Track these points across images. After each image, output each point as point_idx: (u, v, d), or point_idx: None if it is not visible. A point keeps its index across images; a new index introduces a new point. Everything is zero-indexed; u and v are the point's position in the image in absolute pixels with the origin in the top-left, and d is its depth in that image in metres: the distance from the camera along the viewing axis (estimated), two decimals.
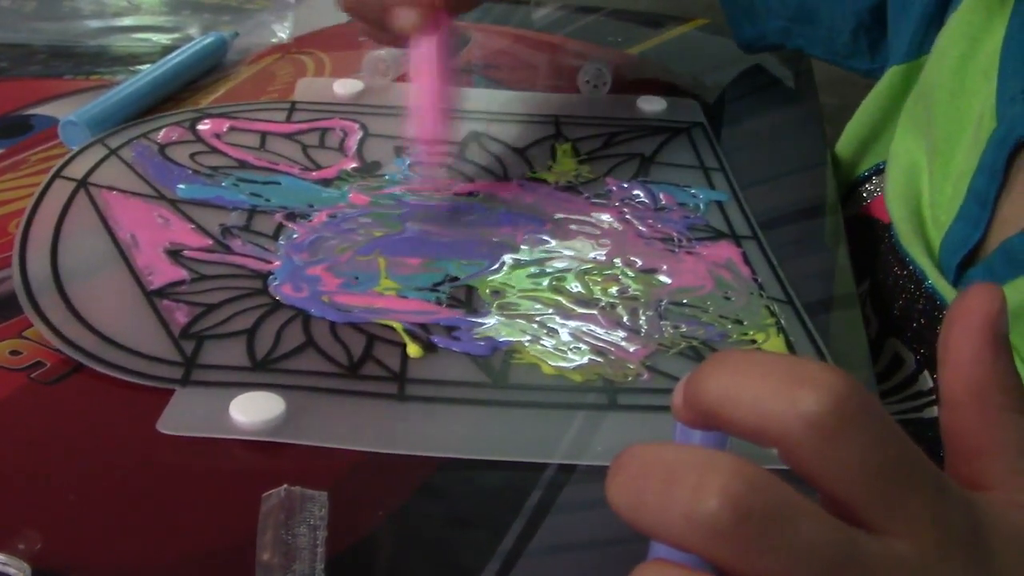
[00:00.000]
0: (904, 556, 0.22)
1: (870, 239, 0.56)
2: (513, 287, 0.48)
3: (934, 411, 0.47)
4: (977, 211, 0.47)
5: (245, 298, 0.45)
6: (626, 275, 0.49)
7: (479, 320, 0.45)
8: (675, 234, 0.53)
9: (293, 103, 0.63)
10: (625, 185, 0.57)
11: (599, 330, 0.45)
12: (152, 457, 0.37)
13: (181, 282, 0.46)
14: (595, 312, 0.46)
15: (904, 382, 0.49)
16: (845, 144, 0.64)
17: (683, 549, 0.22)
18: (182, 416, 0.39)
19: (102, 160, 0.55)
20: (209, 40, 0.69)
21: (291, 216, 0.52)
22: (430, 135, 0.51)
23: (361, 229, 0.51)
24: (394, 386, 0.41)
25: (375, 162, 0.58)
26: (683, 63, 0.76)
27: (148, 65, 0.65)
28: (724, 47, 0.75)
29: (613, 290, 0.48)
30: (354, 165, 0.57)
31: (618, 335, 0.45)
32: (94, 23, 0.75)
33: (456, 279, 0.48)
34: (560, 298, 0.47)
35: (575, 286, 0.48)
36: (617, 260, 0.50)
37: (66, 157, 0.55)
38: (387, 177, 0.56)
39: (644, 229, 0.53)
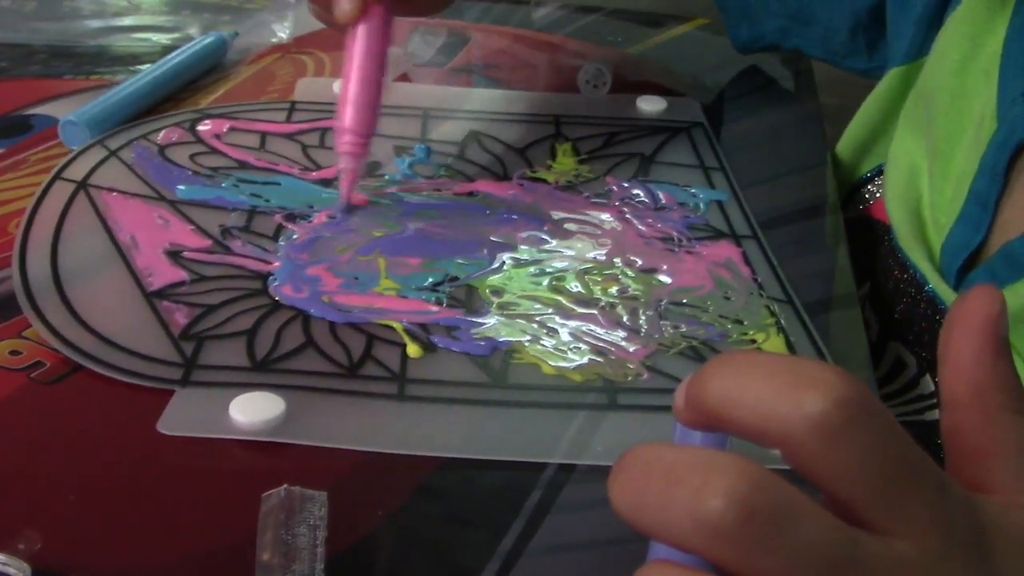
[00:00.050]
0: (906, 556, 0.22)
1: (871, 241, 0.56)
2: (513, 287, 0.48)
3: (935, 414, 0.47)
4: (978, 213, 0.47)
5: (245, 299, 0.45)
6: (626, 275, 0.49)
7: (479, 320, 0.45)
8: (675, 234, 0.53)
9: (293, 103, 0.63)
10: (625, 184, 0.58)
11: (599, 330, 0.45)
12: (152, 457, 0.37)
13: (181, 283, 0.46)
14: (595, 312, 0.46)
15: (906, 386, 0.49)
16: (845, 145, 0.64)
17: (685, 549, 0.22)
18: (182, 416, 0.39)
19: (102, 161, 0.55)
20: (209, 40, 0.69)
21: (291, 217, 0.52)
22: (349, 125, 0.51)
23: (360, 229, 0.51)
24: (394, 386, 0.41)
25: (375, 162, 0.58)
26: (683, 63, 0.76)
27: (148, 65, 0.65)
28: (724, 47, 0.75)
29: (613, 290, 0.48)
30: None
31: (618, 335, 0.45)
32: (94, 23, 0.75)
33: (456, 279, 0.48)
34: (560, 298, 0.47)
35: (575, 286, 0.48)
36: (617, 260, 0.50)
37: (66, 158, 0.55)
38: (387, 177, 0.56)
39: (644, 229, 0.53)
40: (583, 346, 0.44)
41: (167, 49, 0.69)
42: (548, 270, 0.49)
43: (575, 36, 0.79)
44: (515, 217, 0.53)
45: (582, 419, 0.40)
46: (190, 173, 0.55)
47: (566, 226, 0.53)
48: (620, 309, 0.47)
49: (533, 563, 0.34)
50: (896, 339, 0.51)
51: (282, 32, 0.75)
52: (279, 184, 0.54)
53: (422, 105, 0.64)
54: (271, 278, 0.47)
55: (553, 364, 0.43)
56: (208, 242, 0.49)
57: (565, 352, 0.44)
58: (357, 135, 0.51)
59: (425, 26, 0.76)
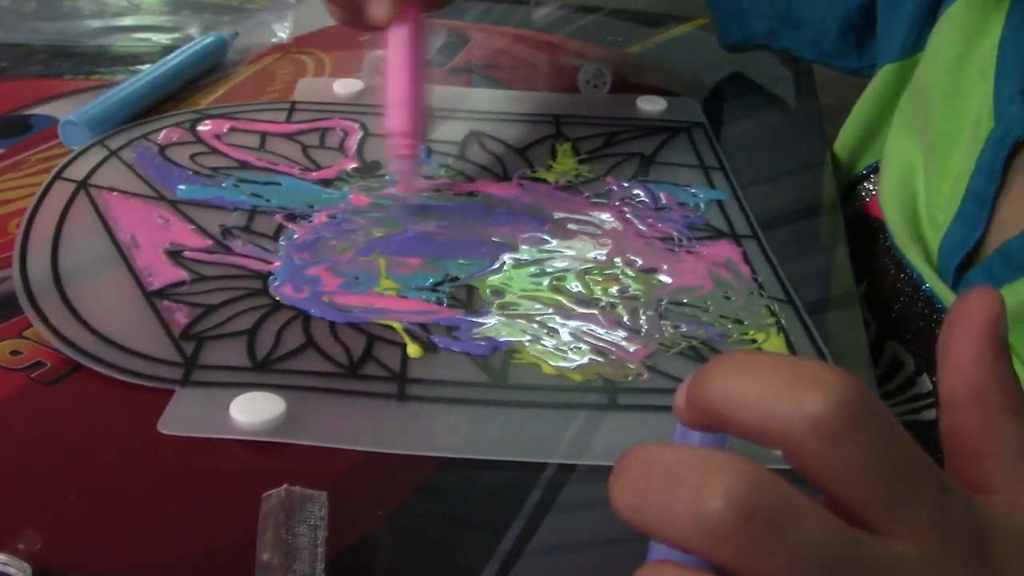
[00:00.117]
0: (906, 557, 0.22)
1: (867, 239, 0.56)
2: (513, 287, 0.48)
3: (933, 413, 0.47)
4: (975, 212, 0.47)
5: (245, 299, 0.45)
6: (626, 275, 0.49)
7: (479, 320, 0.45)
8: (675, 233, 0.53)
9: (293, 103, 0.63)
10: (625, 184, 0.58)
11: (599, 330, 0.45)
12: (152, 457, 0.37)
13: (181, 283, 0.46)
14: (595, 312, 0.46)
15: (903, 385, 0.49)
16: (842, 143, 0.64)
17: (685, 550, 0.22)
18: (182, 416, 0.39)
19: (102, 161, 0.55)
20: (209, 40, 0.69)
21: (291, 217, 0.52)
22: (402, 128, 0.51)
23: (361, 229, 0.51)
24: (394, 386, 0.41)
25: (375, 162, 0.58)
26: (683, 63, 0.76)
27: (148, 65, 0.65)
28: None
29: (613, 290, 0.48)
30: (354, 165, 0.57)
31: (618, 335, 0.45)
32: (94, 23, 0.75)
33: (456, 279, 0.48)
34: (560, 298, 0.47)
35: (575, 286, 0.48)
36: (617, 260, 0.50)
37: (67, 158, 0.55)
38: (387, 177, 0.56)
39: (644, 228, 0.53)
40: (583, 346, 0.44)
41: (167, 49, 0.69)
42: (548, 270, 0.49)
43: (575, 36, 0.79)
44: (515, 217, 0.53)
45: (582, 419, 0.40)
46: (190, 173, 0.55)
47: (567, 226, 0.53)
48: (620, 309, 0.47)
49: (533, 563, 0.34)
50: (893, 338, 0.51)
51: (282, 32, 0.75)
52: (279, 184, 0.54)
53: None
54: (271, 278, 0.47)
55: (553, 364, 0.43)
56: (208, 242, 0.49)
57: (565, 352, 0.44)
58: (407, 136, 0.51)
59: None
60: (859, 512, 0.22)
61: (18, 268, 0.46)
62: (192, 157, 0.56)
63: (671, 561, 0.23)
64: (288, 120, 0.61)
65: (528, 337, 0.45)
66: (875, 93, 0.60)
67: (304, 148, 0.58)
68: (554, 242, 0.51)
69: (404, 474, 0.38)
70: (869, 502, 0.22)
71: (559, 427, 0.40)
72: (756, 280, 0.50)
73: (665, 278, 0.49)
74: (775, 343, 0.45)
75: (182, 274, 0.47)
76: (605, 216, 0.54)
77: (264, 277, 0.47)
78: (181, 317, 0.44)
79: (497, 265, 0.49)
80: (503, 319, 0.46)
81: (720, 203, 0.56)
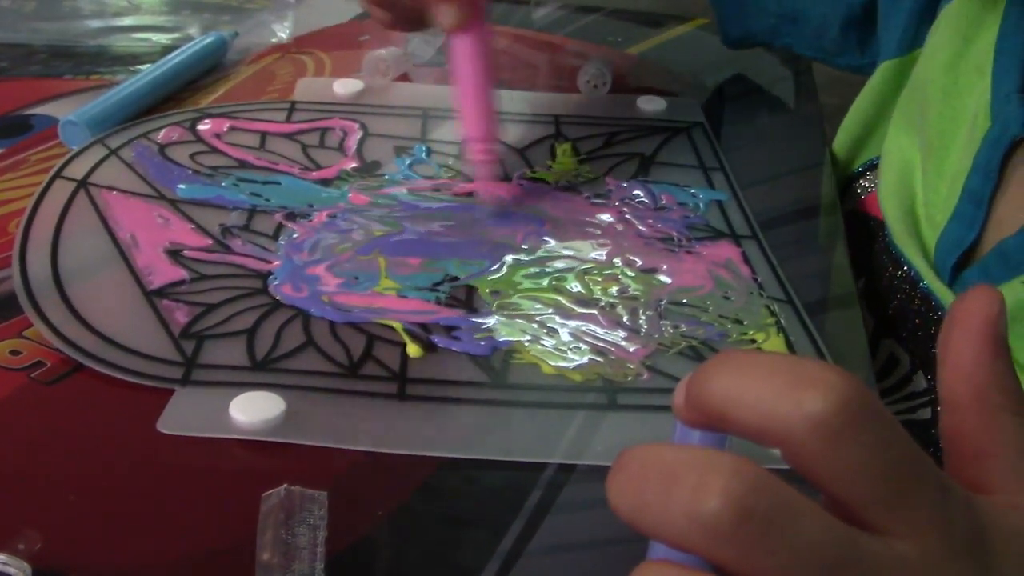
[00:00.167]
0: (906, 557, 0.22)
1: (865, 236, 0.56)
2: (513, 287, 0.48)
3: (927, 412, 0.47)
4: (972, 211, 0.47)
5: (245, 298, 0.45)
6: (626, 275, 0.49)
7: (479, 320, 0.45)
8: (675, 234, 0.53)
9: (293, 103, 0.63)
10: (625, 185, 0.58)
11: (599, 330, 0.45)
12: (152, 457, 0.37)
13: (181, 282, 0.46)
14: (595, 312, 0.46)
15: (899, 383, 0.49)
16: (840, 140, 0.64)
17: (684, 549, 0.22)
18: (182, 416, 0.39)
19: (102, 160, 0.55)
20: (209, 40, 0.69)
21: (291, 216, 0.52)
22: (479, 133, 0.52)
23: (360, 229, 0.51)
24: (394, 386, 0.41)
25: (375, 162, 0.58)
26: (683, 63, 0.76)
27: (148, 65, 0.65)
28: (724, 47, 0.75)
29: (613, 290, 0.48)
30: (354, 165, 0.57)
31: (618, 335, 0.45)
32: (94, 23, 0.75)
33: (456, 279, 0.48)
34: (560, 298, 0.47)
35: (575, 286, 0.48)
36: (617, 260, 0.50)
37: (66, 157, 0.55)
38: (387, 177, 0.56)
39: (644, 229, 0.53)
40: (583, 346, 0.44)
41: (167, 49, 0.69)
42: (548, 270, 0.49)
43: (575, 36, 0.79)
44: (515, 217, 0.53)
45: (582, 419, 0.40)
46: (190, 172, 0.55)
47: (566, 226, 0.53)
48: (620, 309, 0.47)
49: (533, 563, 0.34)
50: (889, 336, 0.51)
51: (282, 32, 0.75)
52: (279, 183, 0.54)
53: (422, 105, 0.64)
54: (271, 277, 0.47)
55: (553, 364, 0.43)
56: (208, 241, 0.49)
57: (565, 352, 0.44)
58: (486, 142, 0.52)
59: None
60: (859, 512, 0.22)
61: (18, 268, 0.46)
62: (192, 156, 0.56)
63: (669, 560, 0.23)
64: (288, 120, 0.61)
65: (528, 337, 0.45)
66: (874, 90, 0.60)
67: (304, 148, 0.58)
68: (554, 242, 0.51)
69: (404, 474, 0.38)
70: (869, 502, 0.22)
71: (559, 427, 0.40)
72: (756, 280, 0.50)
73: (665, 278, 0.49)
74: (775, 343, 0.45)
75: (182, 273, 0.47)
76: (605, 216, 0.54)
77: (264, 276, 0.47)
78: (181, 316, 0.44)
79: (497, 265, 0.49)
80: (503, 319, 0.46)
81: (720, 203, 0.56)
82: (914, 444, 0.23)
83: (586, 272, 0.49)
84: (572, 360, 0.44)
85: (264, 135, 0.59)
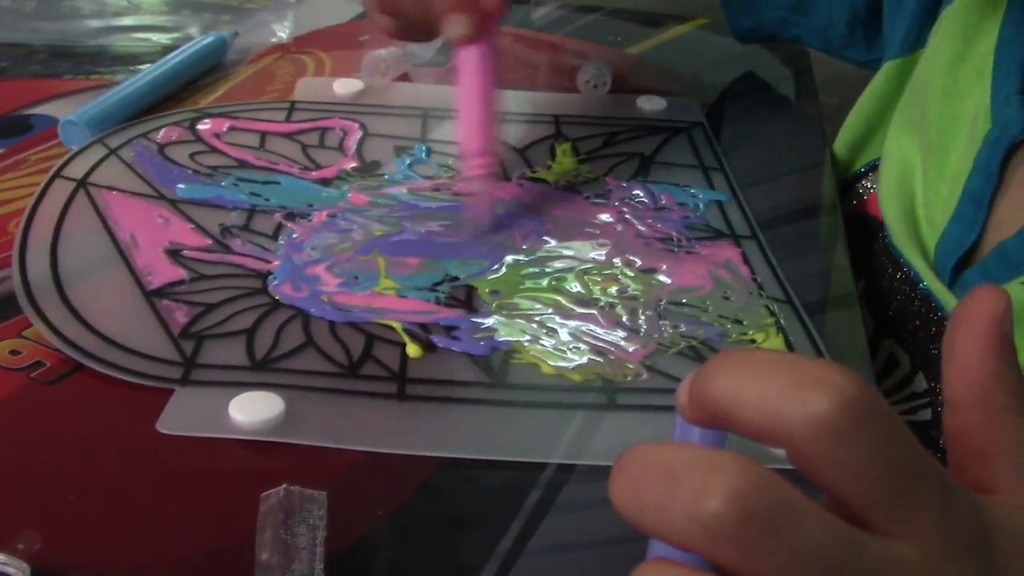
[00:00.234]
0: (908, 558, 0.22)
1: (865, 237, 0.56)
2: (513, 287, 0.48)
3: (928, 413, 0.47)
4: (972, 212, 0.47)
5: (244, 298, 0.45)
6: (625, 275, 0.49)
7: (479, 320, 0.45)
8: (675, 234, 0.53)
9: (293, 103, 0.63)
10: (625, 185, 0.58)
11: (598, 330, 0.45)
12: (152, 457, 0.37)
13: (180, 282, 0.46)
14: (594, 312, 0.46)
15: (899, 384, 0.49)
16: (842, 140, 0.64)
17: (685, 549, 0.22)
18: (181, 416, 0.39)
19: (102, 160, 0.55)
20: (209, 40, 0.69)
21: (291, 216, 0.52)
22: (477, 148, 0.51)
23: (360, 228, 0.51)
24: (393, 386, 0.41)
25: (375, 162, 0.58)
26: (683, 63, 0.76)
27: (148, 65, 0.65)
28: (724, 47, 0.75)
29: (612, 290, 0.48)
30: (354, 165, 0.57)
31: (617, 335, 0.45)
32: (94, 23, 0.75)
33: (456, 279, 0.48)
34: (560, 298, 0.47)
35: (575, 286, 0.48)
36: (616, 260, 0.50)
37: (66, 157, 0.55)
38: (387, 177, 0.56)
39: (644, 229, 0.53)
40: (583, 346, 0.44)
41: (167, 49, 0.69)
42: (548, 270, 0.49)
43: (575, 36, 0.79)
44: (515, 217, 0.53)
45: (581, 419, 0.40)
46: (190, 172, 0.55)
47: (566, 226, 0.53)
48: (619, 309, 0.47)
49: (532, 563, 0.34)
50: (889, 337, 0.51)
51: (282, 32, 0.75)
52: (279, 183, 0.54)
53: (422, 105, 0.64)
54: (271, 277, 0.47)
55: (552, 364, 0.43)
56: (208, 241, 0.49)
57: (565, 352, 0.44)
58: (484, 156, 0.51)
59: None
60: (861, 512, 0.22)
61: (17, 268, 0.46)
62: (192, 156, 0.56)
63: (670, 560, 0.23)
64: (288, 120, 0.61)
65: (527, 337, 0.45)
66: (877, 90, 0.60)
67: (304, 147, 0.58)
68: (553, 242, 0.51)
69: (403, 474, 0.38)
70: (871, 502, 0.22)
71: (558, 427, 0.40)
72: (755, 280, 0.50)
73: (664, 278, 0.49)
74: (774, 343, 0.45)
75: (181, 273, 0.47)
76: (605, 216, 0.54)
77: (263, 276, 0.47)
78: (180, 316, 0.44)
79: (496, 265, 0.49)
80: (502, 319, 0.46)
81: (719, 203, 0.56)
82: (917, 444, 0.23)
83: (586, 272, 0.49)
84: (572, 360, 0.44)
85: (264, 135, 0.59)
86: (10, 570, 0.32)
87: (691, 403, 0.24)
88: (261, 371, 0.41)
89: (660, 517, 0.22)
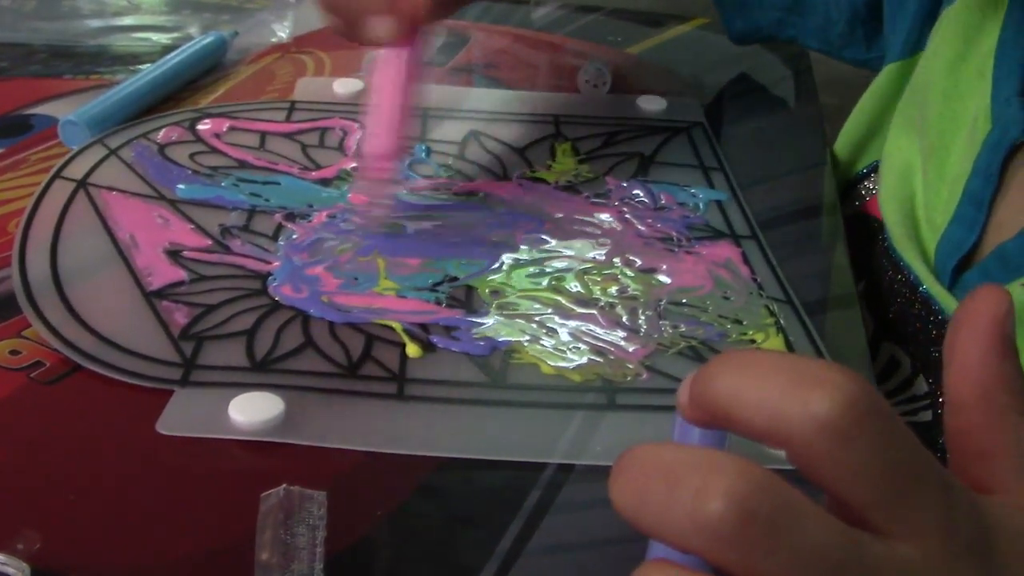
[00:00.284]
0: (910, 560, 0.22)
1: (866, 238, 0.56)
2: (512, 287, 0.48)
3: (929, 415, 0.47)
4: (972, 214, 0.47)
5: (244, 299, 0.45)
6: (625, 275, 0.49)
7: (478, 320, 0.45)
8: (674, 234, 0.53)
9: (293, 103, 0.63)
10: (624, 184, 0.58)
11: (598, 330, 0.45)
12: (152, 457, 0.37)
13: (180, 283, 0.46)
14: (594, 312, 0.46)
15: (900, 386, 0.49)
16: (843, 142, 0.63)
17: (685, 551, 0.22)
18: (181, 416, 0.39)
19: (102, 160, 0.55)
20: (209, 40, 0.69)
21: (291, 216, 0.52)
22: (382, 151, 0.50)
23: (360, 229, 0.51)
24: (393, 386, 0.41)
25: None
26: (683, 63, 0.76)
27: (148, 65, 0.65)
28: (724, 47, 0.75)
29: (612, 290, 0.48)
30: (354, 165, 0.57)
31: (617, 335, 0.45)
32: (94, 22, 0.75)
33: (455, 279, 0.48)
34: (559, 298, 0.47)
35: (574, 286, 0.48)
36: (616, 260, 0.50)
37: (66, 157, 0.55)
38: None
39: (643, 229, 0.53)
40: (582, 346, 0.44)
41: (167, 49, 0.69)
42: (548, 270, 0.49)
43: (575, 36, 0.79)
44: (515, 217, 0.53)
45: (581, 419, 0.40)
46: (190, 172, 0.55)
47: (566, 226, 0.53)
48: (619, 309, 0.47)
49: (532, 563, 0.34)
50: (890, 339, 0.51)
51: (282, 32, 0.75)
52: (279, 184, 0.54)
53: (422, 105, 0.64)
54: (271, 278, 0.47)
55: (552, 364, 0.43)
56: (208, 241, 0.49)
57: (564, 352, 0.44)
58: (387, 161, 0.50)
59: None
60: (862, 513, 0.22)
61: (17, 268, 0.46)
62: (192, 156, 0.56)
63: (670, 561, 0.23)
64: (288, 119, 0.61)
65: (527, 337, 0.45)
66: (878, 92, 0.60)
67: (304, 147, 0.58)
68: (553, 242, 0.51)
69: (403, 474, 0.38)
70: (873, 503, 0.22)
71: (558, 427, 0.40)
72: (755, 280, 0.50)
73: (664, 278, 0.49)
74: (774, 343, 0.45)
75: (181, 274, 0.47)
76: (604, 216, 0.54)
77: (263, 277, 0.47)
78: (180, 317, 0.44)
79: (496, 265, 0.49)
80: (502, 319, 0.46)
81: (720, 203, 0.56)
82: (919, 444, 0.23)
83: (585, 272, 0.49)
84: (571, 360, 0.44)
85: (264, 135, 0.59)
86: (10, 570, 0.32)
87: (691, 403, 0.24)
88: (261, 372, 0.41)
89: (660, 518, 0.22)
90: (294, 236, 0.50)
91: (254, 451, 0.38)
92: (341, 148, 0.59)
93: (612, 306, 0.47)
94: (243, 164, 0.56)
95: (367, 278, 0.47)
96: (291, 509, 0.33)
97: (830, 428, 0.22)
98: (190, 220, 0.51)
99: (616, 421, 0.41)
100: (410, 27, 0.48)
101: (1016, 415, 0.25)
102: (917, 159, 0.53)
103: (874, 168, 0.60)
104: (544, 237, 0.52)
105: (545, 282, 0.48)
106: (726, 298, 0.48)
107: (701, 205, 0.56)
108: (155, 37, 0.73)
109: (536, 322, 0.46)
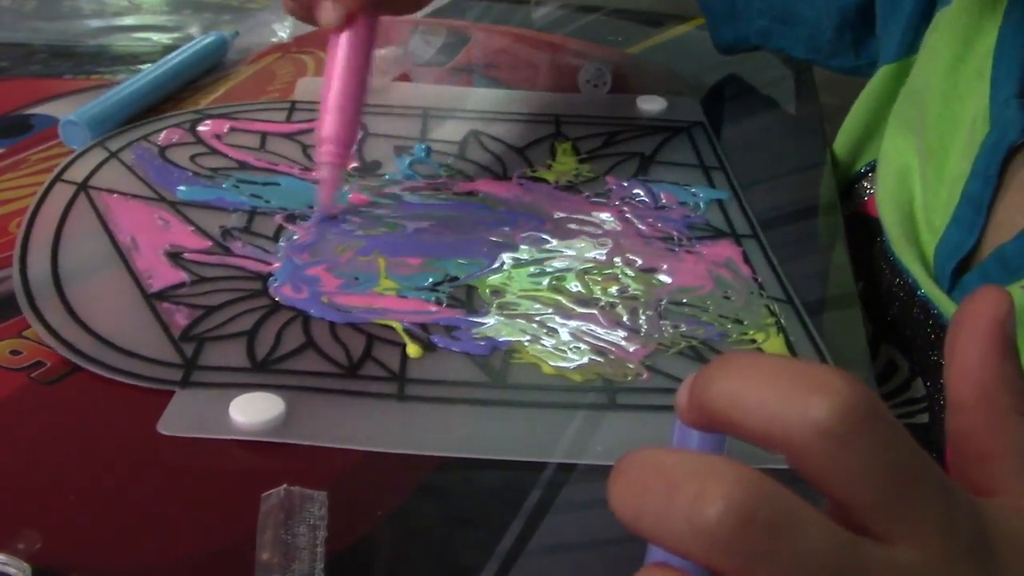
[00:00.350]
0: (910, 563, 0.22)
1: (866, 237, 0.56)
2: (513, 287, 0.48)
3: (926, 417, 0.47)
4: (971, 216, 0.47)
5: (245, 299, 0.45)
6: (626, 274, 0.49)
7: (479, 320, 0.45)
8: (675, 233, 0.53)
9: (293, 103, 0.63)
10: (625, 184, 0.58)
11: (599, 330, 0.45)
12: (152, 458, 0.38)
13: (181, 284, 0.46)
14: (595, 312, 0.46)
15: (898, 389, 0.49)
16: (841, 142, 0.63)
17: (684, 556, 0.22)
18: (182, 417, 0.39)
19: (103, 163, 0.55)
20: (209, 39, 0.69)
21: (291, 217, 0.52)
22: (333, 135, 0.50)
23: (360, 229, 0.51)
24: (394, 386, 0.41)
25: (375, 161, 0.58)
26: (683, 62, 0.76)
27: (148, 64, 0.65)
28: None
29: (613, 289, 0.48)
30: (354, 165, 0.57)
31: (618, 335, 0.45)
32: (94, 22, 0.75)
33: (456, 279, 0.48)
34: (560, 298, 0.47)
35: (575, 285, 0.48)
36: (617, 259, 0.50)
37: (67, 160, 0.55)
38: (387, 177, 0.56)
39: (644, 228, 0.53)
40: (583, 346, 0.44)
41: (168, 49, 0.69)
42: (548, 270, 0.49)
43: (575, 36, 0.79)
44: (515, 217, 0.53)
45: (582, 419, 0.40)
46: (190, 174, 0.55)
47: (566, 226, 0.53)
48: (620, 309, 0.47)
49: (532, 563, 0.34)
50: (888, 342, 0.51)
51: (282, 32, 0.75)
52: (279, 185, 0.54)
53: (422, 105, 0.64)
54: (271, 279, 0.47)
55: (553, 364, 0.43)
56: (208, 243, 0.49)
57: (565, 352, 0.44)
58: (339, 144, 0.50)
59: (425, 26, 0.76)
60: (862, 517, 0.22)
61: (18, 268, 0.46)
62: (192, 158, 0.56)
63: (669, 565, 0.23)
64: (288, 120, 0.61)
65: (528, 337, 0.45)
66: (873, 93, 0.60)
67: (304, 148, 0.58)
68: (554, 242, 0.52)
69: (404, 474, 0.38)
70: (872, 508, 0.22)
71: (558, 427, 0.40)
72: (756, 280, 0.50)
73: (665, 278, 0.49)
74: (775, 343, 0.45)
75: (182, 276, 0.47)
76: (605, 216, 0.54)
77: (264, 278, 0.47)
78: (181, 318, 0.44)
79: (497, 265, 0.49)
80: (502, 319, 0.46)
81: (720, 203, 0.56)
82: (918, 448, 0.23)
83: (586, 272, 0.49)
84: (572, 360, 0.44)
85: (264, 135, 0.59)
86: (11, 570, 0.32)
87: (690, 406, 0.24)
88: (262, 372, 0.41)
89: (659, 523, 0.22)
90: (295, 237, 0.50)
91: (255, 451, 0.38)
92: None
93: (613, 306, 0.47)
94: (244, 165, 0.56)
95: (367, 278, 0.47)
96: (292, 509, 0.33)
97: (829, 432, 0.22)
98: (191, 222, 0.51)
99: (617, 421, 0.41)
100: (355, 11, 0.49)
101: (1017, 416, 0.25)
102: (915, 161, 0.53)
103: (872, 167, 0.60)
104: (545, 237, 0.52)
105: (546, 282, 0.48)
106: (727, 298, 0.48)
107: (702, 204, 0.56)
108: (155, 37, 0.73)
109: (537, 322, 0.46)
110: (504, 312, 0.46)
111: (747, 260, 0.51)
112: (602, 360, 0.44)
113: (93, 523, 0.35)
